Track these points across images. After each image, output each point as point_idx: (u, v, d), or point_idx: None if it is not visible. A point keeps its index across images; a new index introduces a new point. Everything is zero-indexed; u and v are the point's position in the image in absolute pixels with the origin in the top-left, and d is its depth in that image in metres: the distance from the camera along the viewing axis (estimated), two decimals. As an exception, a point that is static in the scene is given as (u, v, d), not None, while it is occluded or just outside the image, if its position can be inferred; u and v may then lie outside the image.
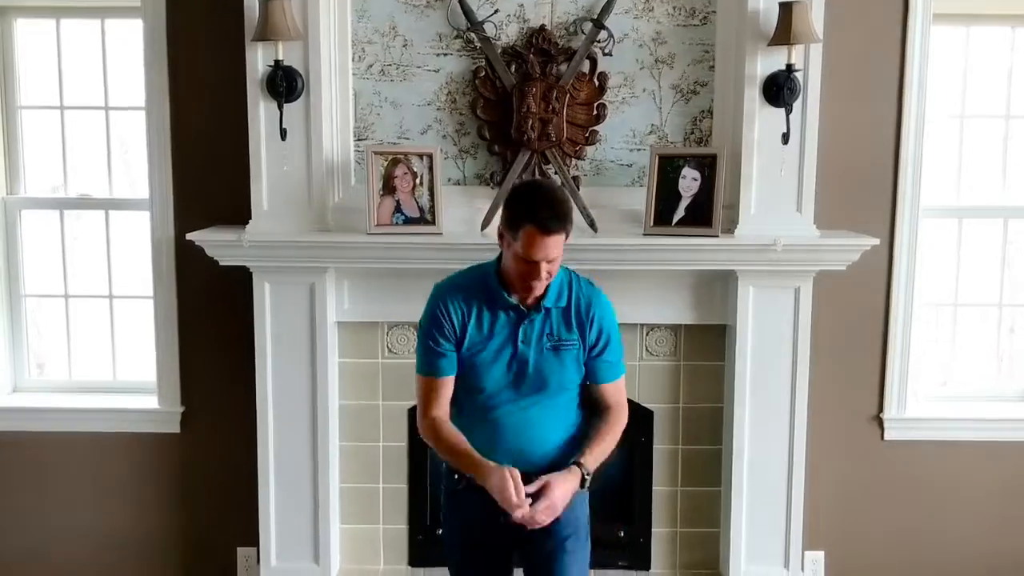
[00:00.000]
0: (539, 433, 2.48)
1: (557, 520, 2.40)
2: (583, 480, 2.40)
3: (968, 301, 3.75)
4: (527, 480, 2.34)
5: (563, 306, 2.44)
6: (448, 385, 2.48)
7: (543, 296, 2.41)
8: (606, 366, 2.52)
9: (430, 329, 2.46)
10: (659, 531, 3.60)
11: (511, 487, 2.29)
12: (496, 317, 2.43)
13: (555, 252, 2.31)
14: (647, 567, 3.61)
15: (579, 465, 2.40)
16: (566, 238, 2.33)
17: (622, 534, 3.58)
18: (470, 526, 2.55)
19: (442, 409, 2.48)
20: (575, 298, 2.45)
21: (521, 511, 2.28)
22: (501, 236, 2.38)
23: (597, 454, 2.45)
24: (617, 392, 2.56)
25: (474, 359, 2.45)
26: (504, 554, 2.59)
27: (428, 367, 2.48)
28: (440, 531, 3.56)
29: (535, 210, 2.28)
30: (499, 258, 2.46)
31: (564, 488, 2.35)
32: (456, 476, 2.52)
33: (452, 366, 2.46)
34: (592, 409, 2.57)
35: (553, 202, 2.31)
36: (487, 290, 2.44)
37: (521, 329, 2.42)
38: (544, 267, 2.31)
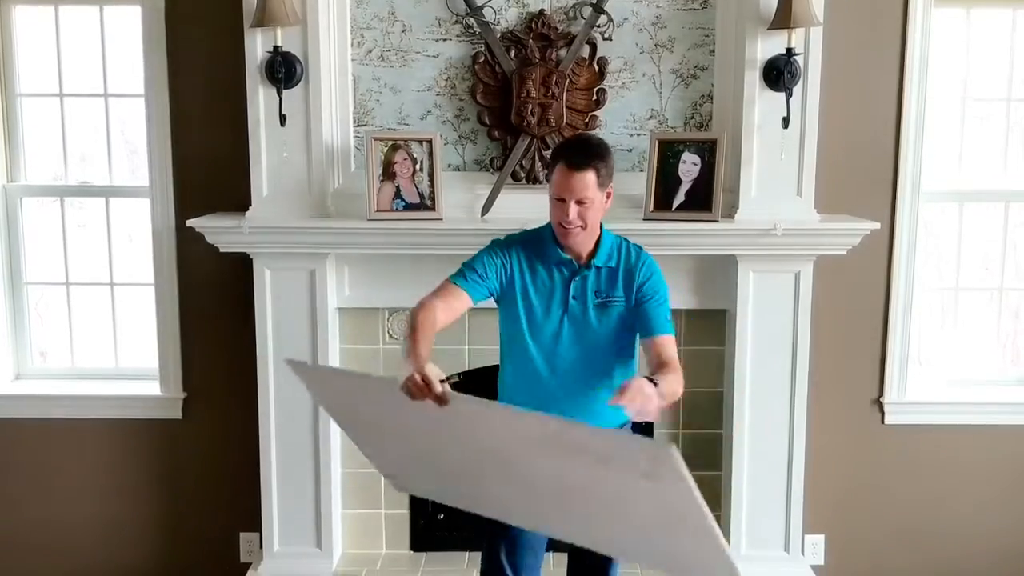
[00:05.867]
0: (584, 391, 2.49)
1: None
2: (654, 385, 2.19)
3: (970, 285, 3.75)
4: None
5: (612, 266, 2.50)
6: (459, 297, 2.44)
7: (594, 255, 2.47)
8: (657, 316, 2.48)
9: (479, 254, 2.51)
10: (660, 515, 3.61)
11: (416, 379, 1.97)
12: (549, 273, 2.49)
13: (582, 192, 2.36)
14: (648, 551, 3.62)
15: (648, 378, 2.23)
16: (598, 180, 2.37)
17: (623, 518, 3.60)
18: None
19: (440, 302, 2.40)
20: (624, 258, 2.51)
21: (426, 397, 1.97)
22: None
23: (665, 383, 2.26)
24: (671, 347, 2.49)
25: (525, 312, 2.49)
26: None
27: (455, 274, 2.49)
28: (441, 516, 3.62)
29: (565, 148, 2.44)
30: None
31: (640, 384, 2.13)
32: None
33: (474, 289, 2.46)
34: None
35: (583, 143, 2.44)
36: (542, 247, 2.51)
37: (573, 285, 2.47)
38: (573, 208, 2.36)
